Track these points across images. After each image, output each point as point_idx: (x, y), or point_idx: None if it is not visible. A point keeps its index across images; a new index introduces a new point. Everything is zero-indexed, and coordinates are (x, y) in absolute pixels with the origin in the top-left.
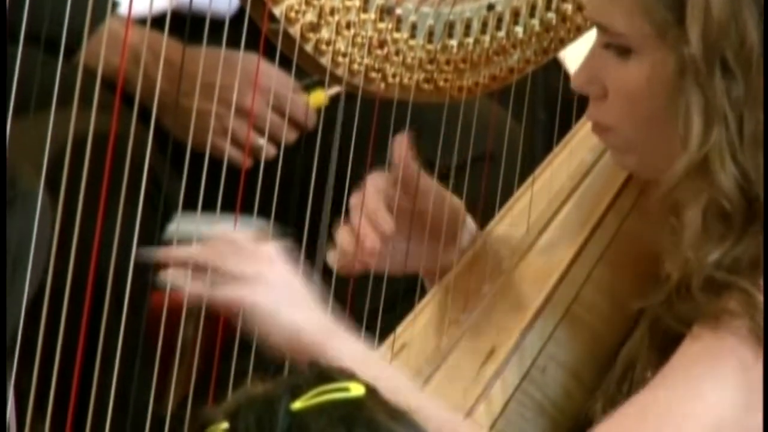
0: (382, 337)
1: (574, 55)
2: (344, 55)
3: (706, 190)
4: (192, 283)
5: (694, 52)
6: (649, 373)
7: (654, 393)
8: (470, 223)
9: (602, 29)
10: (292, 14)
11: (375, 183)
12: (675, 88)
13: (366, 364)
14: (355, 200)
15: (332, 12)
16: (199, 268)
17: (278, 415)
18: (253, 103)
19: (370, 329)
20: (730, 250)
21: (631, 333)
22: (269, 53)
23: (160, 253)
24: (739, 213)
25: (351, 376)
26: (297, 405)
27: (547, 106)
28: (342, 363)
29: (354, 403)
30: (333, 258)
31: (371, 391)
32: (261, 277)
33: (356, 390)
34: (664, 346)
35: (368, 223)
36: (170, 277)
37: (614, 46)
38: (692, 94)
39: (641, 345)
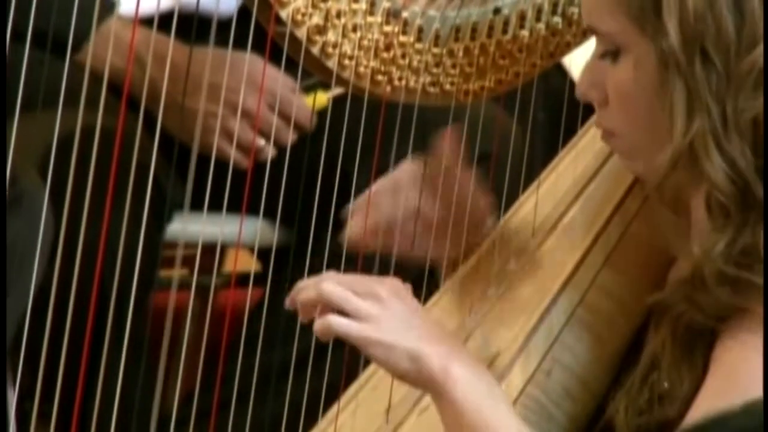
0: None
1: (579, 60)
2: (350, 58)
3: (698, 183)
4: (320, 318)
5: (672, 42)
6: (674, 373)
7: None
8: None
9: (594, 32)
10: (299, 17)
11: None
12: (659, 82)
13: (479, 410)
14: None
15: (339, 15)
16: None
17: None
18: (259, 104)
19: None
20: (734, 242)
21: (641, 335)
22: (273, 54)
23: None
24: (733, 202)
25: None
26: None
27: (551, 109)
28: (456, 405)
29: None
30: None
31: None
32: (377, 315)
33: None
34: (688, 341)
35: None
36: (329, 319)
37: (608, 52)
38: (675, 85)
39: (664, 344)
